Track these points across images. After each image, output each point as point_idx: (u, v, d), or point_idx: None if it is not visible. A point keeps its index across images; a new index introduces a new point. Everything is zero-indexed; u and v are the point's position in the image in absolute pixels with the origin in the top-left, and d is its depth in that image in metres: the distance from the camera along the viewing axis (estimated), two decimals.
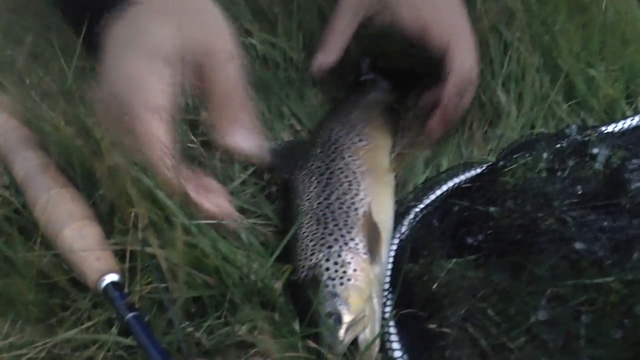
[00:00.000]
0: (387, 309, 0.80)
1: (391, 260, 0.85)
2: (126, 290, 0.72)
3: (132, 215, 0.74)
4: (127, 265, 0.73)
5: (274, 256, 0.79)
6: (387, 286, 0.83)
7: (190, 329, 0.71)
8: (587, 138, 0.91)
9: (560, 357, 0.72)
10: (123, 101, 0.77)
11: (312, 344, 0.73)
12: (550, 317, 0.74)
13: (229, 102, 0.82)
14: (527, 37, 1.08)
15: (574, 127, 0.93)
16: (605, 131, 0.96)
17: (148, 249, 0.68)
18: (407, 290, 0.81)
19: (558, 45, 1.05)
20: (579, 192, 0.85)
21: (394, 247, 0.86)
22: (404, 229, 0.88)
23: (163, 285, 0.68)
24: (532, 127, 1.03)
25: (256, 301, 0.76)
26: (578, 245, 0.76)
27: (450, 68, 0.99)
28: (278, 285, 0.77)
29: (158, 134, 0.76)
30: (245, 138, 0.83)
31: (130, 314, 0.67)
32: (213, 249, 0.74)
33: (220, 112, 0.82)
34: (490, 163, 0.91)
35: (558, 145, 0.90)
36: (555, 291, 0.75)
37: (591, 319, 0.73)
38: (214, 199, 0.81)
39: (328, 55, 1.05)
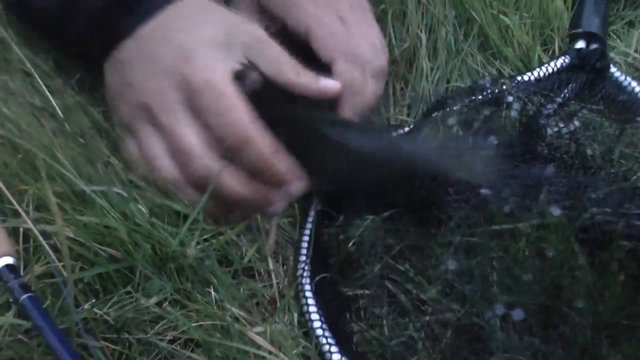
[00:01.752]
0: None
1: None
2: (22, 272, 0.70)
3: (30, 193, 0.72)
4: (20, 246, 0.71)
5: (187, 223, 0.76)
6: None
7: (88, 307, 0.69)
8: (503, 87, 0.91)
9: (479, 306, 0.72)
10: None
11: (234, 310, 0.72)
12: (465, 268, 0.74)
13: None
14: None
15: (487, 78, 0.93)
16: (522, 80, 0.95)
17: (38, 228, 0.66)
18: (323, 254, 0.81)
19: None
20: (494, 143, 0.85)
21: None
22: None
23: (56, 265, 0.66)
24: (448, 81, 1.01)
25: (169, 271, 0.74)
26: (483, 192, 0.75)
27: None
28: (190, 252, 0.75)
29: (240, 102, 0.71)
30: None
31: (25, 295, 0.66)
32: (119, 220, 0.71)
33: None
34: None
35: (473, 98, 0.90)
36: (467, 240, 0.75)
37: (504, 266, 0.72)
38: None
39: None
